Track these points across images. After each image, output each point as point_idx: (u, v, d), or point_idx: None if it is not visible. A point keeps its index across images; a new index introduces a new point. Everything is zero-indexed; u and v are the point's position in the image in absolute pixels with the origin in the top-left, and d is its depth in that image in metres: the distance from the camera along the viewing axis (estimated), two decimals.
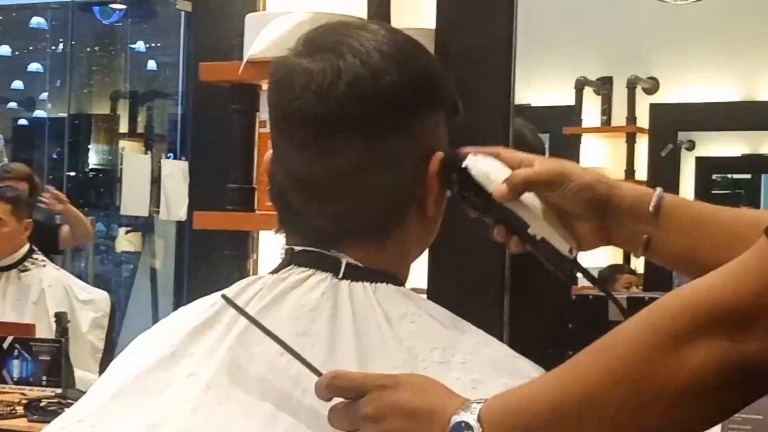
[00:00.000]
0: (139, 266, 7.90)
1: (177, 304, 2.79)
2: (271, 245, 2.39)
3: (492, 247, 2.03)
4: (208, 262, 2.38)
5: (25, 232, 4.42)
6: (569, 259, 1.23)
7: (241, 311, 1.12)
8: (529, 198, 1.21)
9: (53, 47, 8.80)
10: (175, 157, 7.42)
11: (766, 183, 5.80)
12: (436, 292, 2.10)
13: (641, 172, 5.61)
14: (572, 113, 5.72)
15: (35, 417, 3.42)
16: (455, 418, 0.98)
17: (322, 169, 1.14)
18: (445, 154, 1.18)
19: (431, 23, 2.20)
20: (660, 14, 5.31)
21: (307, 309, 1.13)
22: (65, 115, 8.44)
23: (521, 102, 3.16)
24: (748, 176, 5.96)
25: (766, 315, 0.88)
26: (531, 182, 1.21)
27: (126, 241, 7.96)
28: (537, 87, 5.40)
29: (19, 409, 3.51)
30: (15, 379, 3.80)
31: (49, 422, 1.20)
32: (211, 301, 1.18)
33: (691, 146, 5.70)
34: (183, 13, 7.01)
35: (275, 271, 1.18)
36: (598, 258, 4.67)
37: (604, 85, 5.69)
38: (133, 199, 7.12)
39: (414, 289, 1.21)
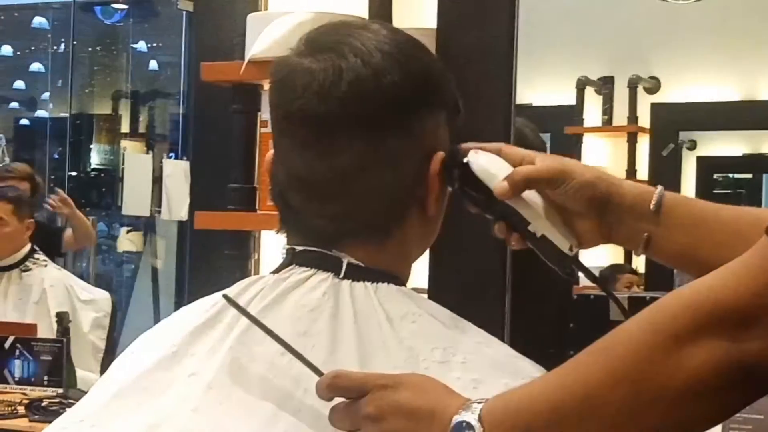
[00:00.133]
0: (141, 266, 7.90)
1: (178, 304, 2.79)
2: (272, 245, 2.39)
3: (493, 246, 2.04)
4: (209, 261, 2.38)
5: (26, 232, 4.41)
6: (570, 257, 1.23)
7: (242, 311, 1.12)
8: (530, 195, 1.21)
9: (55, 47, 8.80)
10: (176, 157, 7.42)
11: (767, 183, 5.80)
12: (437, 291, 2.10)
13: (642, 171, 5.60)
14: (573, 113, 5.72)
15: (36, 417, 3.42)
16: (456, 418, 0.98)
17: (323, 169, 1.14)
18: (446, 152, 1.18)
19: (432, 23, 2.20)
20: (661, 14, 5.31)
21: (308, 309, 1.13)
22: (67, 114, 8.44)
23: (522, 102, 3.16)
24: (749, 176, 5.96)
25: (767, 315, 0.88)
26: (532, 179, 1.21)
27: (127, 241, 7.97)
28: (538, 86, 5.40)
29: (21, 409, 3.50)
30: (16, 379, 3.80)
31: (50, 422, 1.20)
32: (213, 300, 1.18)
33: (693, 146, 5.70)
34: (184, 13, 7.02)
35: (276, 270, 1.19)
36: (599, 257, 4.67)
37: (606, 85, 5.68)
38: (135, 199, 7.13)
39: (415, 289, 1.21)
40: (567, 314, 2.82)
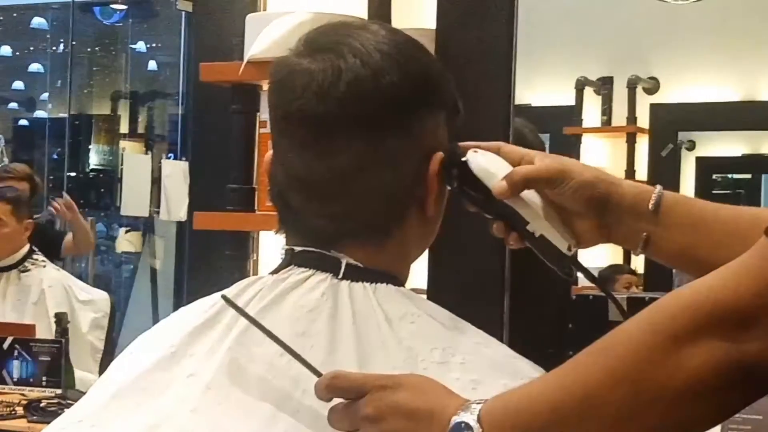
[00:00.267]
0: (139, 267, 7.90)
1: (177, 305, 2.79)
2: (271, 245, 2.39)
3: (492, 247, 2.04)
4: (208, 262, 2.38)
5: (25, 233, 4.41)
6: (568, 257, 1.22)
7: (241, 312, 1.12)
8: (529, 194, 1.21)
9: (54, 47, 8.80)
10: (175, 158, 7.42)
11: (766, 183, 5.80)
12: (436, 292, 2.10)
13: (641, 172, 5.61)
14: (573, 113, 5.72)
15: (35, 418, 3.42)
16: (455, 419, 0.98)
17: (322, 169, 1.14)
18: (445, 152, 1.18)
19: (432, 23, 2.20)
20: (660, 14, 5.31)
21: (307, 309, 1.13)
22: (66, 115, 8.44)
23: (521, 102, 3.16)
24: (749, 176, 5.96)
25: (767, 315, 0.88)
26: (531, 179, 1.20)
27: (126, 242, 7.96)
28: (537, 87, 5.40)
29: (19, 410, 3.51)
30: (15, 380, 3.80)
31: (49, 423, 1.20)
32: (211, 301, 1.18)
33: (692, 146, 5.71)
34: (183, 13, 7.02)
35: (275, 271, 1.18)
36: (598, 258, 4.67)
37: (605, 85, 5.69)
38: (134, 200, 7.12)
39: (414, 290, 1.21)
40: (566, 315, 2.82)
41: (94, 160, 8.69)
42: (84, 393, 1.22)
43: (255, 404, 1.08)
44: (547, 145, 3.76)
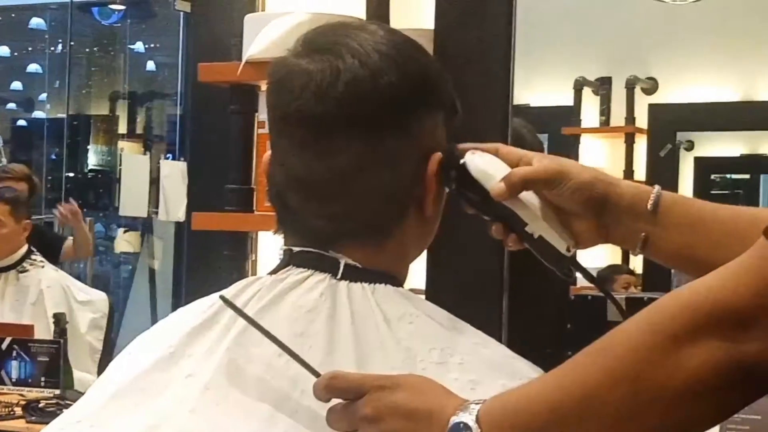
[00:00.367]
0: (138, 267, 7.89)
1: (176, 305, 2.79)
2: (269, 246, 2.39)
3: (490, 247, 2.04)
4: (206, 262, 2.38)
5: (23, 233, 4.41)
6: (567, 258, 1.22)
7: (239, 312, 1.12)
8: (528, 196, 1.21)
9: (52, 48, 8.80)
10: (173, 158, 7.42)
11: (765, 183, 5.80)
12: (435, 292, 2.10)
13: (640, 172, 5.60)
14: (571, 113, 5.72)
15: (34, 418, 3.42)
16: (454, 419, 0.98)
17: (321, 170, 1.14)
18: (443, 151, 1.18)
19: (430, 24, 2.20)
20: (659, 14, 5.31)
21: (305, 310, 1.13)
22: (64, 115, 8.44)
23: (520, 102, 3.16)
24: (747, 176, 5.96)
25: (766, 315, 0.88)
26: (529, 180, 1.20)
27: (125, 242, 7.96)
28: (536, 87, 5.40)
29: (18, 410, 3.50)
30: (13, 380, 3.80)
31: (47, 423, 1.20)
32: (210, 302, 1.18)
33: (690, 146, 5.70)
34: (182, 13, 7.01)
35: (274, 271, 1.18)
36: (596, 258, 4.67)
37: (603, 86, 5.68)
38: (132, 200, 7.12)
39: (412, 290, 1.21)
40: (564, 315, 2.82)
41: (93, 160, 8.69)
42: (82, 393, 1.22)
43: (253, 405, 1.08)
44: (545, 146, 3.75)
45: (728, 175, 5.99)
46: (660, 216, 1.22)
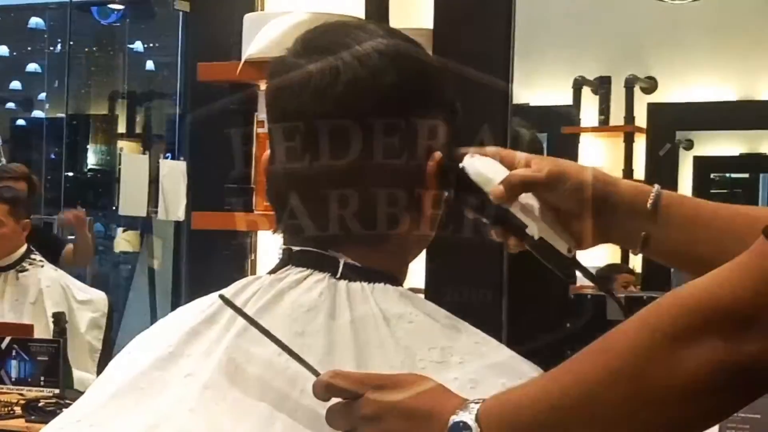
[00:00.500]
0: (138, 266, 7.89)
1: (175, 304, 2.79)
2: (269, 245, 2.39)
3: (490, 247, 2.04)
4: (206, 262, 2.38)
5: (23, 233, 4.40)
6: (568, 259, 1.22)
7: (238, 311, 1.12)
8: (527, 198, 1.21)
9: (51, 48, 8.80)
10: (173, 158, 7.41)
11: (765, 182, 5.80)
12: (435, 292, 2.10)
13: (639, 171, 5.60)
14: (570, 113, 5.71)
15: (33, 417, 3.41)
16: (453, 419, 0.98)
17: (320, 169, 1.14)
18: (444, 152, 1.18)
19: (429, 23, 2.20)
20: (658, 14, 5.31)
21: (304, 309, 1.13)
22: (63, 115, 8.43)
23: (519, 101, 3.16)
24: (746, 175, 5.96)
25: (766, 315, 0.88)
26: (528, 183, 1.20)
27: (124, 242, 7.96)
28: (535, 86, 5.40)
29: (17, 410, 3.50)
30: (13, 380, 3.80)
31: (47, 423, 1.20)
32: (209, 301, 1.18)
33: (689, 145, 5.70)
34: (181, 13, 7.00)
35: (273, 271, 1.18)
36: (595, 257, 4.66)
37: (602, 85, 5.68)
38: (131, 200, 7.11)
39: (412, 289, 1.21)
40: (564, 314, 2.82)
41: (92, 160, 8.69)
42: (82, 393, 1.22)
43: (253, 404, 1.08)
44: (544, 145, 3.75)
45: (727, 175, 5.98)
46: (660, 215, 1.22)
